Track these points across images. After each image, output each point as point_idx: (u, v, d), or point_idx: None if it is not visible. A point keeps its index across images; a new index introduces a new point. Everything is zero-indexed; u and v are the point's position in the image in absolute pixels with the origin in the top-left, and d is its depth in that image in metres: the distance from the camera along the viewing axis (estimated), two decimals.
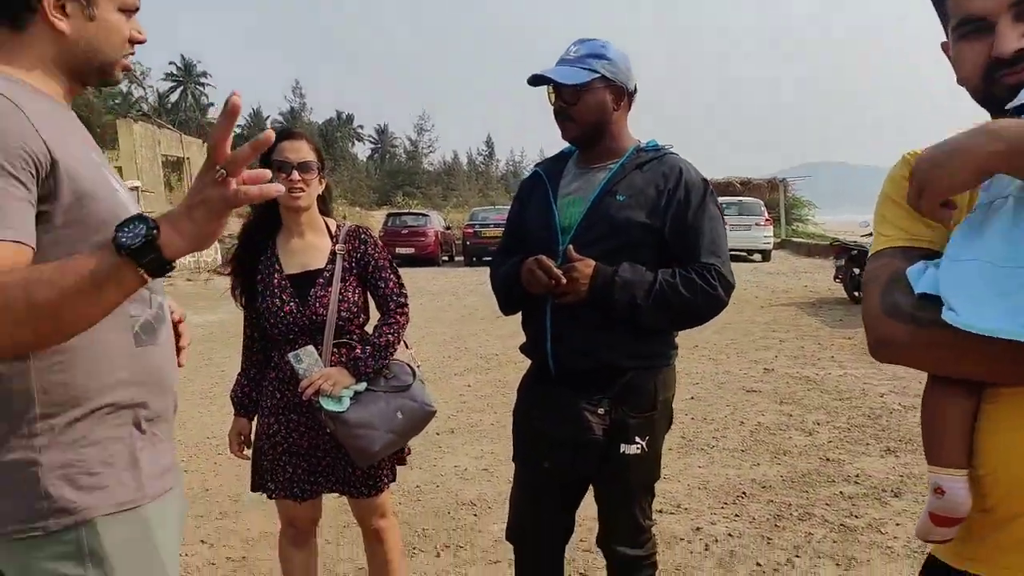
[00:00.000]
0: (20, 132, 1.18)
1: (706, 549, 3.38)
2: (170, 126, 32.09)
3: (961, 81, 1.14)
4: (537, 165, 2.41)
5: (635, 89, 2.24)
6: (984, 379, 1.08)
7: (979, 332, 0.93)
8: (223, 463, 4.73)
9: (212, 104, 53.06)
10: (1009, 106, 1.03)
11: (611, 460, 2.14)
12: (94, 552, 1.27)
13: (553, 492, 2.30)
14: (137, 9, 1.41)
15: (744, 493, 3.99)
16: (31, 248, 1.16)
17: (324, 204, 2.52)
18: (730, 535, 3.50)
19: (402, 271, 2.62)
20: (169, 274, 1.20)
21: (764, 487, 4.09)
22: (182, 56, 66.74)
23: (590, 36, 2.25)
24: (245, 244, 2.52)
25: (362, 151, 72.23)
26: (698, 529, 3.58)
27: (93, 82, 1.41)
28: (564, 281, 2.05)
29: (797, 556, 3.26)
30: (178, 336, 1.58)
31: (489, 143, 74.47)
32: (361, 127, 72.84)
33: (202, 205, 1.14)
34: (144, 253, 1.10)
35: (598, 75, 2.13)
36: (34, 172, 1.18)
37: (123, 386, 1.34)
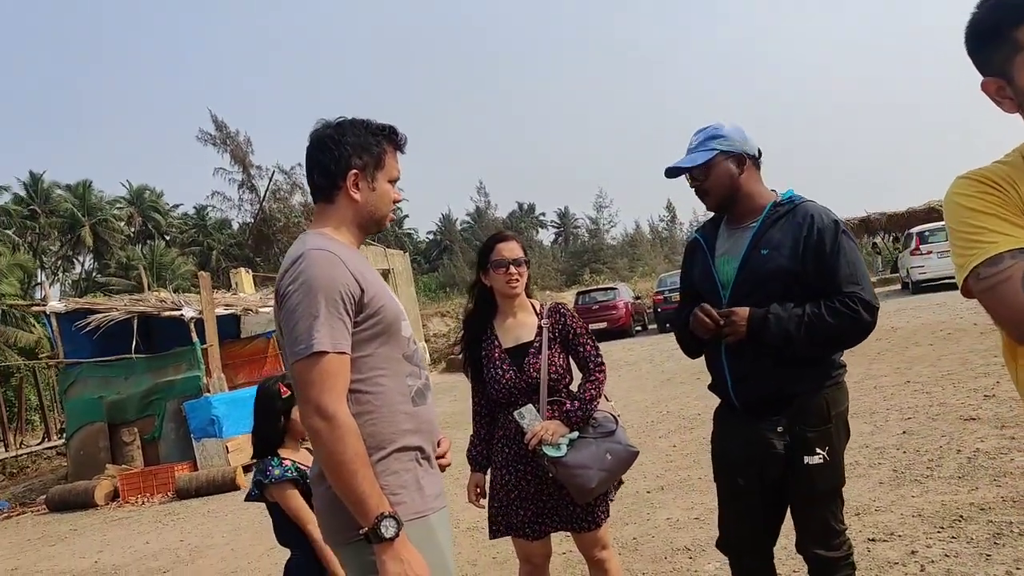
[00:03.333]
0: (342, 276, 1.86)
1: (921, 570, 3.44)
2: (373, 241, 35.42)
3: None
4: (696, 230, 2.86)
5: (759, 152, 2.64)
6: None
7: None
8: (458, 536, 5.35)
9: (407, 216, 57.89)
10: None
11: (796, 471, 2.47)
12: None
13: (750, 507, 2.62)
14: (398, 179, 2.10)
15: (961, 516, 3.96)
16: (348, 353, 1.84)
17: (530, 289, 3.10)
18: (946, 555, 3.54)
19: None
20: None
21: (983, 509, 4.03)
22: None
23: (706, 124, 2.65)
24: (468, 329, 3.14)
25: (546, 237, 74.76)
26: (913, 552, 3.64)
27: (372, 232, 2.10)
28: (722, 323, 2.45)
29: (1018, 568, 3.26)
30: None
31: (670, 208, 74.39)
32: (543, 214, 75.61)
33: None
34: (377, 537, 1.75)
35: (717, 152, 2.55)
36: (353, 301, 1.86)
37: (408, 434, 1.94)
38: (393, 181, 2.07)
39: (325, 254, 1.87)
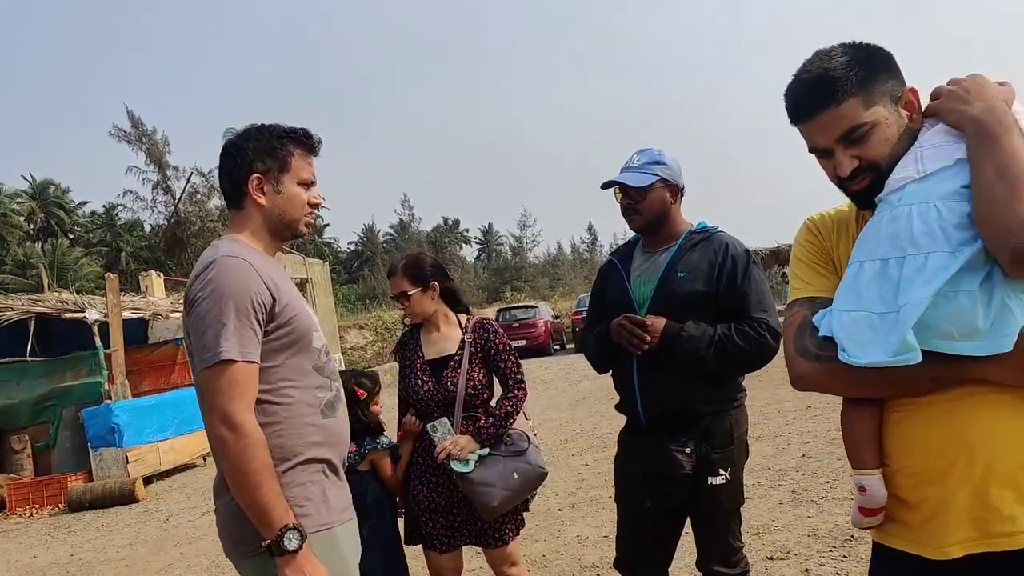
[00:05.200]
0: (254, 284, 1.84)
1: None
2: (292, 250, 34.74)
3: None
4: (611, 254, 2.95)
5: (684, 186, 2.75)
6: (877, 396, 1.44)
7: (864, 365, 1.34)
8: None
9: (328, 225, 57.02)
10: (876, 199, 1.43)
11: (701, 491, 2.56)
12: None
13: (652, 526, 2.70)
14: (313, 183, 2.06)
15: (852, 536, 4.16)
16: (257, 363, 1.81)
17: (457, 302, 3.10)
18: (837, 573, 3.71)
19: None
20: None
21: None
22: None
23: (646, 147, 2.78)
24: (401, 338, 3.19)
25: (470, 252, 74.83)
26: (807, 571, 3.81)
27: (287, 238, 2.06)
28: (649, 324, 2.51)
29: None
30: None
31: (591, 230, 75.63)
32: (467, 230, 75.67)
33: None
34: (279, 550, 1.73)
35: (658, 178, 2.66)
36: (264, 310, 1.84)
37: (316, 446, 1.92)
38: (305, 184, 2.03)
39: (238, 261, 1.85)
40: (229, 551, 1.94)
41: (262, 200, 1.98)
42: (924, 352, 1.30)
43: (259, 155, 1.97)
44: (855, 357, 1.35)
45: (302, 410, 1.91)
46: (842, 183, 1.50)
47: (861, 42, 1.49)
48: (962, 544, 1.36)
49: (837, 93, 1.43)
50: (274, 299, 1.86)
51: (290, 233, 2.04)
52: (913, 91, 1.48)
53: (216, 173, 2.13)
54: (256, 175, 1.96)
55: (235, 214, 2.02)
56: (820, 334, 1.44)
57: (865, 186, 1.46)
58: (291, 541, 1.73)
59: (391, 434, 3.20)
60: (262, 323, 1.83)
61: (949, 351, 1.31)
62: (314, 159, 2.07)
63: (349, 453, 2.92)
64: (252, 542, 1.79)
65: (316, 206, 2.07)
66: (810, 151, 1.52)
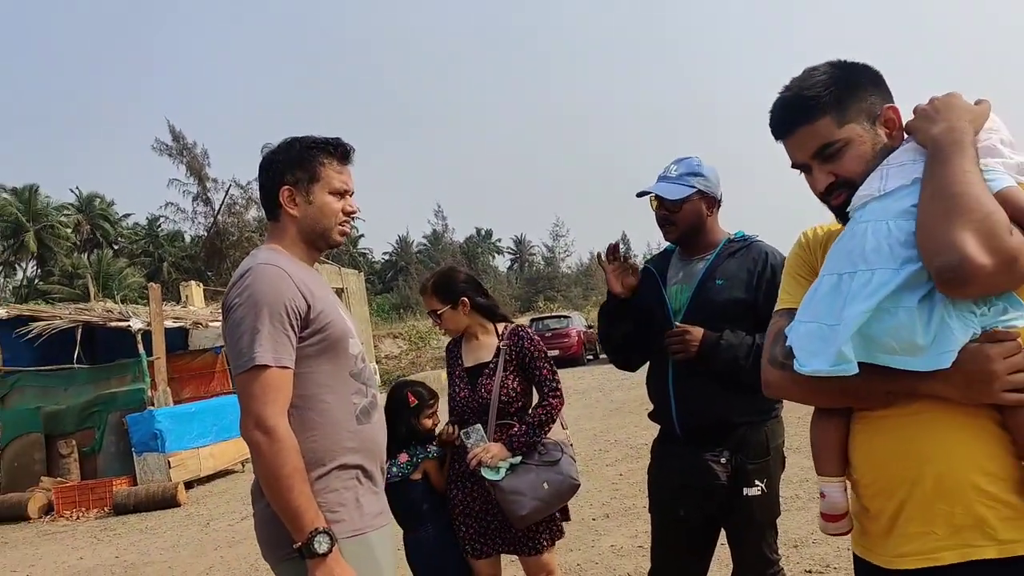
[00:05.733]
0: (288, 290, 1.89)
1: None
2: (328, 260, 35.18)
3: None
4: (647, 262, 2.94)
5: (721, 196, 2.74)
6: (834, 406, 1.48)
7: (807, 374, 1.38)
8: None
9: (362, 236, 57.54)
10: (848, 210, 1.46)
11: (736, 502, 2.54)
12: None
13: (687, 537, 2.69)
14: (347, 192, 2.09)
15: None
16: (291, 368, 1.86)
17: (493, 312, 3.14)
18: None
19: None
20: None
21: None
22: None
23: (685, 155, 2.74)
24: (448, 346, 3.25)
25: (502, 263, 74.93)
26: None
27: (323, 247, 2.11)
28: (691, 331, 2.51)
29: None
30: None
31: (624, 239, 75.23)
32: (500, 240, 75.83)
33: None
34: (309, 552, 1.77)
35: (695, 190, 2.63)
36: (299, 316, 1.88)
37: (350, 452, 1.96)
38: (338, 193, 2.06)
39: (273, 269, 1.90)
40: (266, 554, 1.98)
41: (294, 211, 2.03)
42: (878, 366, 1.34)
43: (289, 167, 2.02)
44: (801, 365, 1.40)
45: (337, 416, 1.94)
46: (822, 198, 1.54)
47: (845, 61, 1.53)
48: (911, 557, 1.38)
49: (811, 111, 1.48)
50: (309, 305, 1.91)
51: (324, 242, 2.08)
52: (893, 109, 1.50)
53: (253, 185, 2.22)
54: (286, 187, 2.01)
55: (272, 225, 2.09)
56: (786, 343, 1.49)
57: (841, 202, 1.50)
58: (321, 544, 1.76)
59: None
60: (296, 329, 1.88)
61: (893, 365, 1.34)
62: (348, 168, 2.09)
63: (402, 463, 2.98)
64: (287, 545, 1.82)
65: (350, 214, 2.09)
66: (792, 167, 1.57)
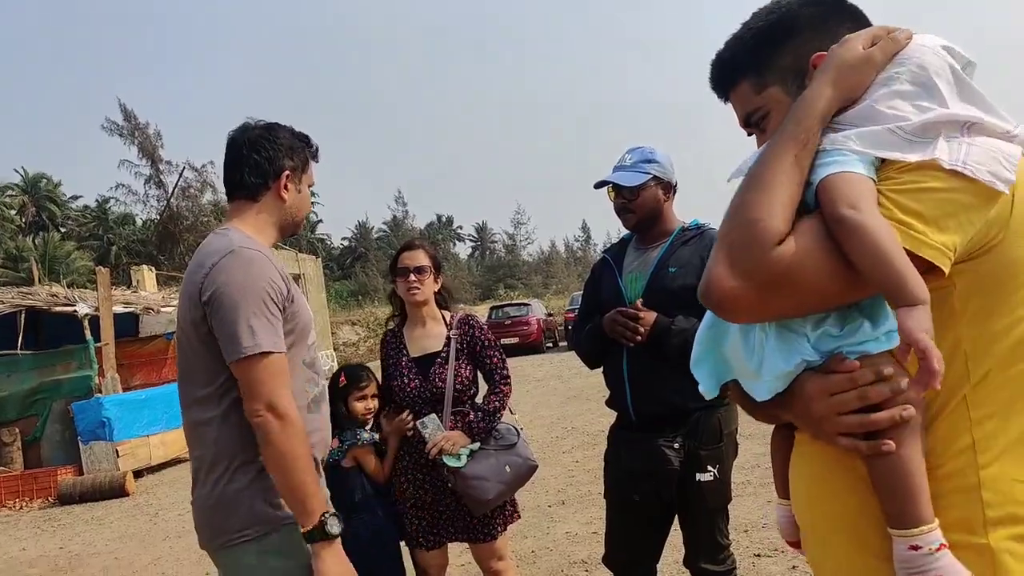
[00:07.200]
0: (274, 275, 1.88)
1: None
2: (285, 246, 34.70)
3: None
4: (604, 251, 2.97)
5: (676, 183, 2.76)
6: (764, 421, 1.29)
7: (704, 393, 1.29)
8: None
9: (320, 221, 56.91)
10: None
11: (688, 487, 2.57)
12: (284, 548, 1.85)
13: (640, 522, 2.71)
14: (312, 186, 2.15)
15: None
16: (285, 352, 1.85)
17: (443, 300, 3.10)
18: None
19: (507, 360, 3.13)
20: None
21: None
22: None
23: (638, 145, 2.80)
24: (384, 337, 3.16)
25: (463, 250, 74.83)
26: (794, 567, 3.84)
27: (288, 234, 2.13)
28: (642, 316, 2.52)
29: None
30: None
31: (585, 228, 75.64)
32: (460, 227, 75.67)
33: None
34: (323, 534, 1.77)
35: (650, 176, 2.67)
36: (281, 301, 1.88)
37: None
38: (310, 187, 2.13)
39: (256, 253, 1.88)
40: (209, 539, 1.92)
41: (285, 196, 2.04)
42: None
43: (289, 153, 2.04)
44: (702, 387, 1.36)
45: None
46: None
47: (774, 4, 1.21)
48: None
49: (727, 76, 1.24)
50: (288, 292, 1.91)
51: (292, 231, 2.12)
52: (820, 57, 1.13)
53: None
54: (287, 171, 2.03)
55: (245, 205, 2.02)
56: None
57: None
58: (334, 526, 1.79)
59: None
60: (279, 315, 1.88)
61: (745, 389, 1.20)
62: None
63: (332, 449, 2.90)
64: (233, 531, 1.81)
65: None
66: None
